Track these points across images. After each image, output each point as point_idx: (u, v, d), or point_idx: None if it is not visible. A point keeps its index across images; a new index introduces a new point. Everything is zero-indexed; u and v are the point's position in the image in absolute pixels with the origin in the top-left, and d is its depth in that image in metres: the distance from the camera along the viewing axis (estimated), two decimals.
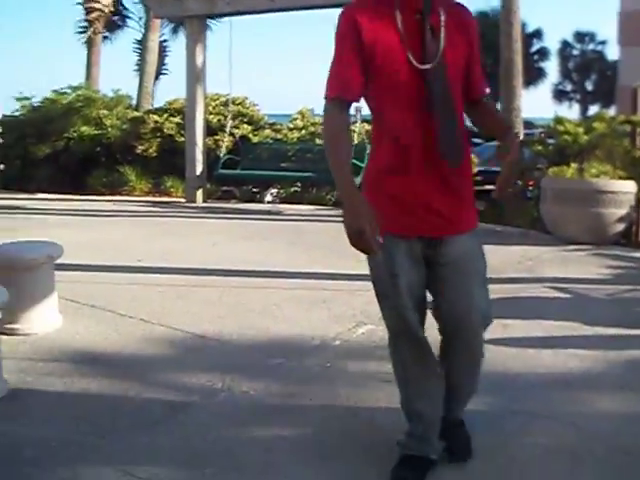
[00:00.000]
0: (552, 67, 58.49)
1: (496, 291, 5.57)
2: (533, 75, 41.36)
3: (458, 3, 2.80)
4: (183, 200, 11.91)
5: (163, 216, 10.34)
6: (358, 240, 2.46)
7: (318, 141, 12.31)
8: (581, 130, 9.68)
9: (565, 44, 44.30)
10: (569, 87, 45.34)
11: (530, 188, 9.85)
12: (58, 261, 6.00)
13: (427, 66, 2.56)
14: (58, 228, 9.01)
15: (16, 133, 14.08)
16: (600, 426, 3.33)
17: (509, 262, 6.87)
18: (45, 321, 4.88)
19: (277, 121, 14.05)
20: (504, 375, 3.94)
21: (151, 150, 13.07)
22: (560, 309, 5.28)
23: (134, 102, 16.18)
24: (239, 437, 3.26)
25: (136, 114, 13.90)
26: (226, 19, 11.42)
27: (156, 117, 13.25)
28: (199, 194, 11.58)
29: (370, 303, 4.24)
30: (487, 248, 6.70)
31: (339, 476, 2.93)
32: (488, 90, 2.91)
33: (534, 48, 41.93)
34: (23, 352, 4.43)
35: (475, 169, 11.10)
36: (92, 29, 18.00)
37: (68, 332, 4.82)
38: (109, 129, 13.66)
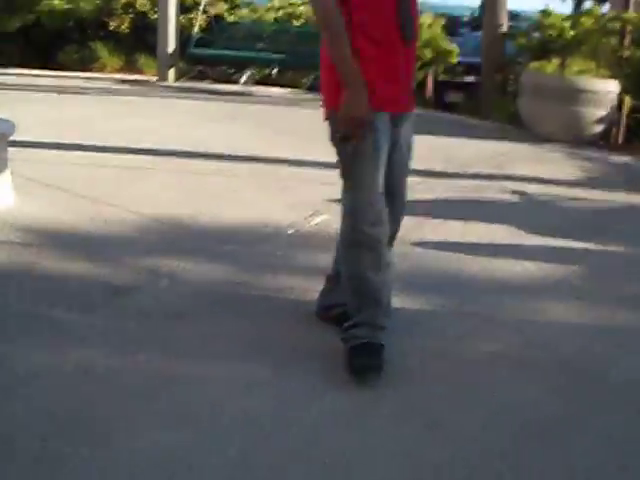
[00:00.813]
0: None
1: (461, 188, 5.59)
2: None
3: None
4: (155, 79, 11.56)
5: (132, 95, 10.05)
6: (357, 125, 2.63)
7: (295, 22, 11.94)
8: (567, 25, 9.38)
9: None
10: None
11: (510, 82, 9.64)
12: (19, 138, 5.84)
13: None
14: (25, 104, 8.75)
15: None
16: (546, 335, 3.27)
17: (480, 157, 6.75)
18: None
19: (255, 0, 13.55)
20: (458, 277, 3.86)
21: (123, 27, 12.59)
22: (523, 214, 5.17)
23: None
24: (176, 326, 3.18)
25: None
26: None
27: None
28: (171, 73, 11.25)
29: (331, 193, 4.13)
30: (461, 141, 6.60)
31: (274, 369, 2.86)
32: None
33: None
34: None
35: (456, 59, 10.85)
36: None
37: (20, 210, 4.68)
38: (81, 3, 13.09)
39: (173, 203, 4.93)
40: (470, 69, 11.35)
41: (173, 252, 4.04)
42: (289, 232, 4.39)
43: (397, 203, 2.96)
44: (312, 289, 3.37)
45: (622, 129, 8.62)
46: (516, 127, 8.33)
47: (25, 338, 3.03)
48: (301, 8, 12.18)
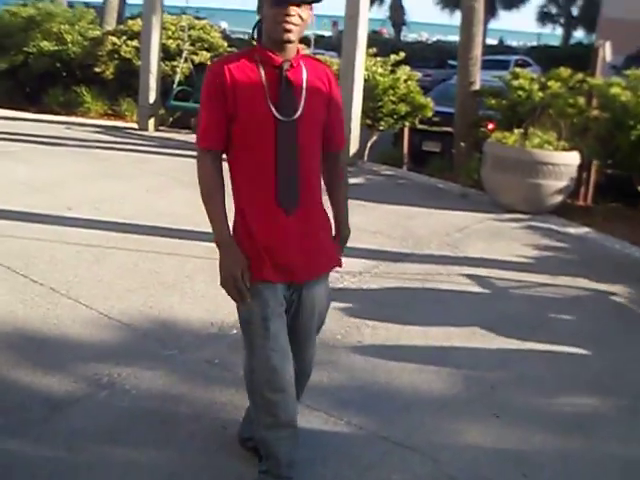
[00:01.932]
0: None
1: (411, 275, 5.76)
2: None
3: (319, 61, 3.00)
4: (136, 126, 11.77)
5: (109, 148, 10.25)
6: (231, 286, 2.75)
7: None
8: (536, 87, 9.62)
9: None
10: (554, 10, 44.59)
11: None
12: None
13: (284, 117, 2.74)
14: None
15: None
16: (457, 463, 3.38)
17: (436, 233, 6.93)
18: None
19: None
20: (384, 392, 3.98)
21: (108, 72, 12.84)
22: (466, 307, 5.26)
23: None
24: (104, 453, 3.34)
25: (95, 33, 13.57)
26: None
27: (114, 39, 12.95)
28: (151, 122, 11.47)
29: None
30: (422, 212, 6.75)
31: None
32: (342, 146, 3.09)
33: None
34: None
35: (432, 110, 11.06)
36: None
37: None
38: (69, 45, 13.38)
39: (125, 293, 5.10)
40: (445, 119, 11.55)
41: (117, 356, 4.20)
42: (233, 332, 4.54)
43: (301, 367, 3.04)
44: (242, 406, 3.50)
45: (590, 191, 8.86)
46: (481, 192, 8.51)
47: None
48: None
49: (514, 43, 45.49)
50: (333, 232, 3.10)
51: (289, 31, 2.70)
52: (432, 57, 28.12)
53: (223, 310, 4.79)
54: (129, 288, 5.19)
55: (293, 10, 2.68)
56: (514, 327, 4.92)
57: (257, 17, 2.84)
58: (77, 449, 3.36)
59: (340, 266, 3.08)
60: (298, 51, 2.84)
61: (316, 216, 2.93)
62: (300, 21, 2.71)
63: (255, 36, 2.89)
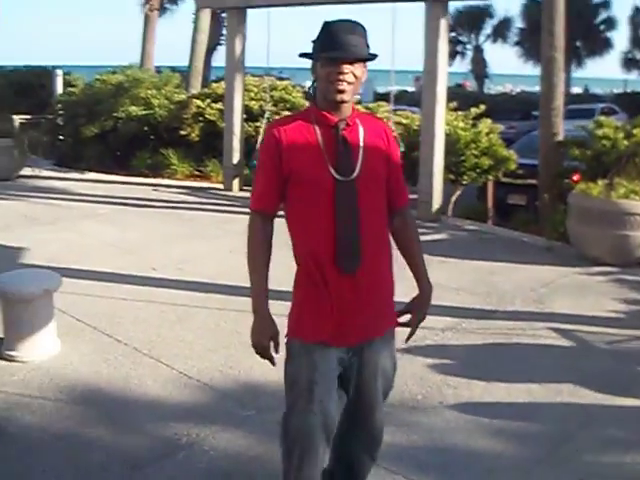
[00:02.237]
0: (622, 36, 56.60)
1: (495, 332, 5.64)
2: (599, 45, 40.23)
3: (375, 117, 3.07)
4: (221, 186, 12.00)
5: (195, 209, 10.47)
6: (259, 352, 2.83)
7: None
8: (621, 135, 9.43)
9: (637, 10, 42.65)
10: (639, 56, 43.77)
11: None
12: (75, 266, 6.31)
13: (343, 177, 2.71)
14: (91, 221, 9.36)
15: (70, 112, 14.35)
16: None
17: (521, 288, 6.78)
18: (42, 348, 5.09)
19: None
20: (465, 455, 3.87)
21: (193, 134, 13.18)
22: (552, 363, 5.11)
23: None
24: None
25: (181, 97, 13.97)
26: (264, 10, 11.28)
27: (199, 102, 13.31)
28: (235, 183, 11.67)
29: None
30: (505, 267, 6.62)
31: None
32: (407, 202, 3.03)
33: (600, 18, 40.67)
34: (14, 384, 4.63)
35: (516, 163, 10.95)
36: (148, 5, 18.09)
37: (63, 361, 5.01)
38: (157, 109, 13.79)
39: (206, 352, 5.15)
40: (530, 171, 11.39)
41: (196, 417, 4.24)
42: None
43: (370, 434, 3.02)
44: None
45: None
46: (567, 245, 8.33)
47: None
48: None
49: (599, 91, 44.76)
50: (415, 289, 3.04)
51: (342, 92, 2.68)
52: (516, 109, 27.85)
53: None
54: (210, 348, 5.24)
55: (346, 68, 2.66)
56: (602, 384, 4.74)
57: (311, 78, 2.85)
58: None
59: (397, 325, 2.99)
60: (353, 109, 2.83)
61: (378, 277, 2.85)
62: (354, 79, 2.69)
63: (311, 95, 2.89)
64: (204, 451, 3.90)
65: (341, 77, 2.66)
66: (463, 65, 42.38)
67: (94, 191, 11.62)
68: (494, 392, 4.63)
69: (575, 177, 9.69)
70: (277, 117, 12.43)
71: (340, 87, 2.67)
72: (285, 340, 2.88)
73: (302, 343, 2.82)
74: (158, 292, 6.45)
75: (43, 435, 4.06)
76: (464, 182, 11.14)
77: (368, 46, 2.75)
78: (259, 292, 2.84)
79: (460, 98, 14.62)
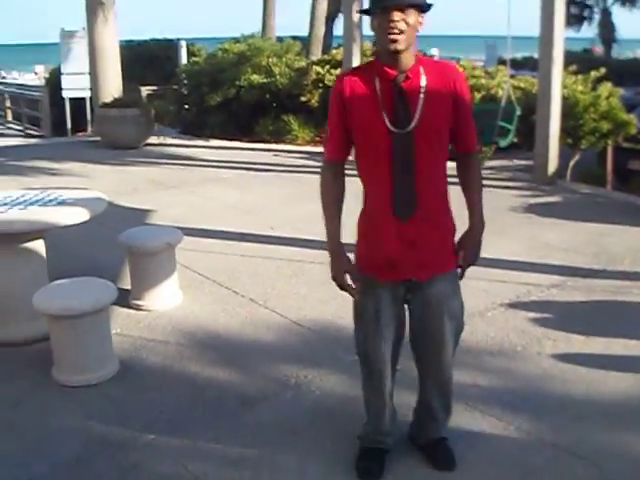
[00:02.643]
0: None
1: (601, 290, 5.70)
2: None
3: (443, 63, 3.10)
4: None
5: (313, 172, 10.72)
6: (338, 285, 3.16)
7: (477, 95, 12.05)
8: None
9: None
10: None
11: None
12: (201, 226, 6.76)
13: (397, 129, 2.91)
14: (213, 185, 9.84)
15: (194, 81, 14.91)
16: (625, 474, 3.39)
17: (631, 250, 6.75)
18: (165, 299, 5.50)
19: None
20: (558, 401, 4.03)
21: (313, 100, 13.47)
22: None
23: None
24: (285, 442, 3.67)
25: (301, 64, 14.29)
26: None
27: (318, 69, 13.58)
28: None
29: (467, 295, 4.45)
30: (617, 229, 6.61)
31: None
32: (475, 147, 3.18)
33: None
34: (140, 330, 5.07)
35: (637, 128, 10.73)
36: None
37: (185, 310, 5.41)
38: (277, 77, 14.13)
39: (318, 304, 5.45)
40: None
41: (305, 361, 4.55)
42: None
43: (434, 375, 3.32)
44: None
45: None
46: None
47: (163, 441, 3.65)
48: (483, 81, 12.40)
49: None
50: (467, 229, 3.22)
51: (395, 41, 2.79)
52: None
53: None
54: (322, 300, 5.53)
55: (396, 15, 2.75)
56: None
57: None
58: (262, 439, 3.71)
59: (457, 267, 3.22)
60: (418, 58, 2.93)
61: (434, 222, 3.06)
62: (406, 27, 2.78)
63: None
64: (311, 391, 4.20)
65: (392, 25, 2.76)
66: (590, 30, 40.92)
67: (217, 157, 12.14)
68: (592, 345, 4.73)
69: None
70: None
71: (392, 36, 2.78)
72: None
73: (366, 278, 3.12)
74: (275, 249, 6.81)
75: (165, 373, 4.46)
76: (582, 146, 10.98)
77: None
78: (333, 235, 3.14)
79: (587, 63, 14.31)
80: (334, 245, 3.14)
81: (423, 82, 2.91)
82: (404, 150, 2.93)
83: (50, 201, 5.04)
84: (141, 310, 5.40)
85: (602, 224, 7.72)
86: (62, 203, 4.99)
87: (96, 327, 4.31)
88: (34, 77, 35.80)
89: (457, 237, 3.25)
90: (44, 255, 5.01)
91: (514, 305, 5.39)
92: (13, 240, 4.73)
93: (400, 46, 2.82)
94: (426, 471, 3.41)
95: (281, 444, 3.68)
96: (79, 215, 4.83)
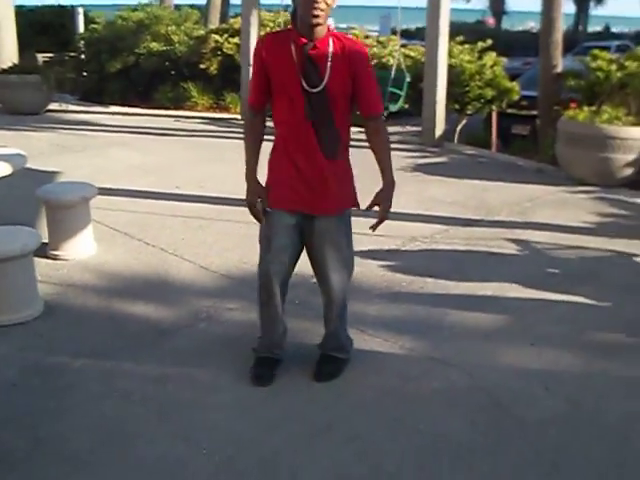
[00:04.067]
0: None
1: (478, 237, 6.38)
2: None
3: (351, 39, 3.69)
4: (239, 117, 12.68)
5: (214, 136, 11.20)
6: (251, 211, 3.72)
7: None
8: (614, 67, 10.00)
9: None
10: None
11: None
12: (107, 185, 7.07)
13: (311, 89, 3.49)
14: (117, 148, 10.12)
15: (93, 49, 14.99)
16: (490, 378, 4.02)
17: (508, 203, 7.51)
18: (81, 249, 5.87)
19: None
20: (437, 326, 4.67)
21: (212, 68, 13.81)
22: (523, 264, 5.84)
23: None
24: (200, 364, 4.17)
25: (200, 33, 14.58)
26: None
27: (217, 37, 13.92)
28: None
29: (359, 243, 5.11)
30: (498, 185, 7.35)
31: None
32: (379, 110, 3.72)
33: None
34: (60, 277, 5.44)
35: (519, 94, 11.53)
36: None
37: (99, 259, 5.80)
38: (176, 45, 14.40)
39: (224, 251, 5.94)
40: (532, 102, 11.96)
41: (215, 298, 5.05)
42: (312, 280, 5.28)
43: (327, 294, 3.89)
44: (318, 333, 4.23)
45: None
46: (557, 168, 9.00)
47: (90, 366, 4.08)
48: (375, 50, 12.98)
49: (621, 29, 44.57)
50: (381, 187, 3.75)
51: (317, 16, 3.39)
52: (534, 46, 28.00)
53: (304, 263, 5.53)
54: (227, 248, 6.02)
55: None
56: (563, 280, 5.49)
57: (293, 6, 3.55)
58: (179, 363, 4.20)
59: (355, 207, 3.81)
60: (329, 31, 3.52)
61: (334, 167, 3.64)
62: (325, 6, 3.38)
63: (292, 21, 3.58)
64: (220, 322, 4.71)
65: (315, 5, 3.37)
66: (481, 2, 42.22)
67: (119, 122, 12.39)
68: (469, 284, 5.39)
69: (572, 106, 10.28)
70: None
71: (315, 12, 3.38)
72: None
73: (267, 208, 3.69)
74: (182, 206, 7.25)
75: (86, 312, 4.87)
76: (469, 112, 11.75)
77: None
78: (249, 167, 3.70)
79: (478, 34, 15.04)
80: (249, 173, 3.69)
81: (330, 51, 3.46)
82: (316, 105, 3.47)
83: None
84: (59, 259, 5.76)
85: (484, 181, 8.47)
86: None
87: (23, 270, 4.69)
88: None
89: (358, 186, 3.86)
90: None
91: (401, 251, 6.03)
92: None
93: (320, 20, 3.39)
94: (311, 381, 3.99)
95: (196, 365, 4.18)
96: (1, 169, 5.16)
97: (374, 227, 3.76)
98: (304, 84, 3.46)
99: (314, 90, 3.47)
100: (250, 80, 3.71)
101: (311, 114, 3.51)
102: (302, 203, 3.65)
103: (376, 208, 3.73)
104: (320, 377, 4.00)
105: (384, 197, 3.73)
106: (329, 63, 3.46)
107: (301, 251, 3.84)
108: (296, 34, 3.49)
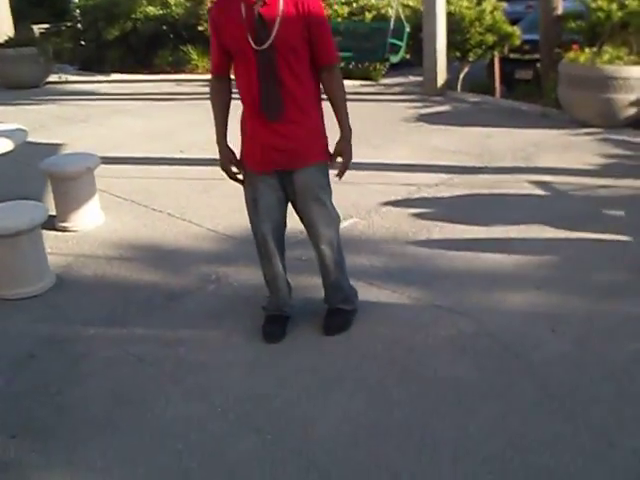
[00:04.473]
0: None
1: (482, 183, 6.40)
2: None
3: None
4: None
5: None
6: (225, 172, 3.84)
7: (368, 15, 12.50)
8: (614, 7, 9.87)
9: None
10: None
11: None
12: (111, 154, 7.10)
13: (258, 47, 3.48)
14: (119, 116, 10.12)
15: (89, 17, 14.89)
16: (497, 323, 4.08)
17: (511, 148, 7.50)
18: (89, 219, 5.93)
19: None
20: (444, 274, 4.72)
21: None
22: (528, 208, 5.84)
23: None
24: (210, 325, 4.24)
25: None
26: None
27: None
28: None
29: (364, 195, 5.13)
30: (502, 131, 7.40)
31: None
32: (332, 61, 3.71)
33: None
34: (69, 248, 5.51)
35: (520, 39, 11.43)
36: None
37: (107, 228, 5.86)
38: (173, 8, 14.29)
39: (229, 213, 5.97)
40: (534, 47, 11.85)
41: (223, 260, 5.10)
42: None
43: (312, 233, 3.94)
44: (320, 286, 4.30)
45: None
46: (561, 111, 8.96)
47: (103, 333, 4.16)
48: (373, 1, 12.84)
49: None
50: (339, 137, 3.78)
51: None
52: None
53: None
54: (233, 209, 6.03)
55: None
56: (568, 221, 5.49)
57: None
58: (190, 326, 4.27)
59: (326, 159, 3.81)
60: None
61: (300, 123, 3.64)
62: None
63: None
64: (229, 284, 4.77)
65: None
66: None
67: (120, 90, 12.38)
68: (474, 230, 5.43)
69: (574, 48, 10.18)
70: None
71: None
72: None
73: (246, 172, 3.81)
74: (186, 170, 7.29)
75: (97, 281, 4.95)
76: (470, 59, 11.65)
77: None
78: (218, 132, 3.78)
79: None
80: (219, 139, 3.79)
81: (280, 8, 3.46)
82: (267, 63, 3.49)
83: None
84: (68, 231, 5.82)
85: (487, 128, 8.45)
86: None
87: (32, 243, 4.76)
88: None
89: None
90: None
91: (405, 201, 6.06)
92: None
93: None
94: (321, 335, 4.08)
95: (207, 326, 4.25)
96: (3, 145, 5.20)
97: (339, 176, 3.81)
98: (252, 42, 3.47)
99: (261, 48, 3.47)
100: (211, 51, 3.73)
101: (261, 74, 3.51)
102: (273, 164, 3.71)
103: (340, 159, 3.81)
104: (329, 330, 4.07)
105: (343, 148, 3.77)
106: (278, 19, 3.45)
107: (287, 206, 3.91)
108: None
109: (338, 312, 4.14)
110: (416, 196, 6.14)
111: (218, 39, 3.59)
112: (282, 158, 3.68)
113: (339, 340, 4.00)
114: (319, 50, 3.62)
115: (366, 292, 4.43)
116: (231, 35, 3.53)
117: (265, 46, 3.46)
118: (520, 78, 12.29)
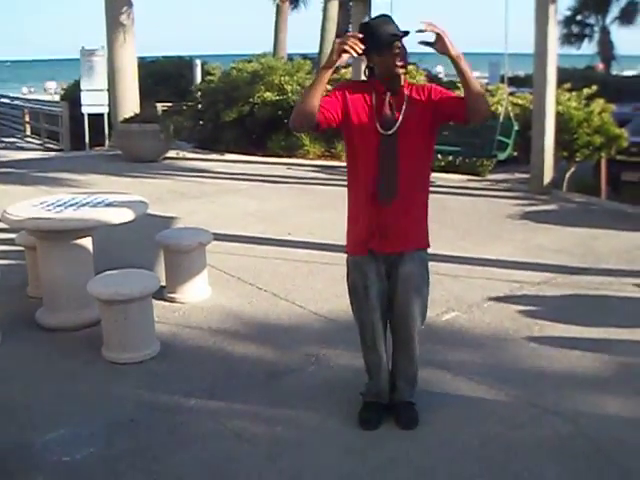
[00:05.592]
0: None
1: (586, 285, 6.35)
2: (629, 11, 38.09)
3: (421, 84, 3.91)
4: None
5: (325, 184, 11.45)
6: (344, 45, 3.50)
7: None
8: None
9: None
10: None
11: None
12: (222, 231, 7.38)
13: (385, 132, 3.69)
14: (232, 195, 10.52)
15: (209, 98, 15.63)
16: (595, 426, 4.03)
17: (616, 251, 7.42)
18: (196, 292, 6.15)
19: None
20: (542, 373, 4.71)
21: None
22: (632, 311, 5.79)
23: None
24: (308, 406, 4.33)
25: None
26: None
27: (328, 87, 14.13)
28: None
29: (466, 290, 5.15)
30: (607, 233, 7.36)
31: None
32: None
33: None
34: (176, 319, 5.73)
35: (628, 141, 11.40)
36: None
37: (214, 303, 6.07)
38: (289, 94, 14.83)
39: (333, 297, 6.10)
40: None
41: (324, 343, 5.21)
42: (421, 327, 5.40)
43: (400, 323, 3.95)
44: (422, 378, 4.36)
45: None
46: None
47: (203, 405, 4.31)
48: None
49: None
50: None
51: (403, 67, 3.67)
52: None
53: None
54: (336, 294, 6.16)
55: (398, 48, 3.61)
56: None
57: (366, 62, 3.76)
58: (289, 404, 4.37)
59: (427, 247, 3.98)
60: (406, 81, 3.75)
61: (411, 208, 3.81)
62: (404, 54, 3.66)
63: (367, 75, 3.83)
64: (329, 366, 4.87)
65: (397, 51, 3.62)
66: (590, 48, 41.39)
67: (234, 170, 12.86)
68: (575, 331, 5.38)
69: None
70: None
71: (399, 62, 3.64)
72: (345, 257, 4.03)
73: (353, 257, 3.92)
74: (293, 252, 7.49)
75: (201, 353, 5.13)
76: (577, 159, 11.65)
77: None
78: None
79: (587, 80, 14.89)
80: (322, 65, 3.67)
81: (406, 97, 3.73)
82: (389, 148, 3.68)
83: (98, 203, 5.73)
84: (175, 302, 6.06)
85: (593, 229, 8.39)
86: (109, 205, 5.69)
87: (142, 311, 4.98)
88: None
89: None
90: (91, 251, 5.67)
91: (507, 298, 6.07)
92: (67, 236, 5.41)
93: (403, 70, 3.69)
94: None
95: (305, 407, 4.35)
96: (125, 215, 5.52)
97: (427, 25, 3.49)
98: (378, 127, 3.67)
99: (387, 132, 3.67)
100: (327, 96, 3.75)
101: (381, 157, 3.68)
102: (380, 246, 3.82)
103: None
104: (410, 425, 4.07)
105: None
106: (404, 106, 3.70)
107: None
108: (377, 84, 3.73)
109: (408, 405, 4.16)
110: (518, 293, 6.15)
111: (342, 103, 3.69)
112: (389, 242, 3.81)
113: (434, 433, 4.03)
114: (453, 105, 3.71)
115: (464, 387, 4.47)
116: (357, 116, 3.70)
117: (391, 132, 3.67)
118: (627, 180, 12.23)
